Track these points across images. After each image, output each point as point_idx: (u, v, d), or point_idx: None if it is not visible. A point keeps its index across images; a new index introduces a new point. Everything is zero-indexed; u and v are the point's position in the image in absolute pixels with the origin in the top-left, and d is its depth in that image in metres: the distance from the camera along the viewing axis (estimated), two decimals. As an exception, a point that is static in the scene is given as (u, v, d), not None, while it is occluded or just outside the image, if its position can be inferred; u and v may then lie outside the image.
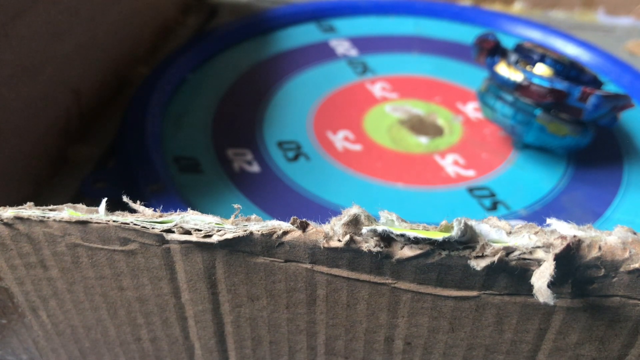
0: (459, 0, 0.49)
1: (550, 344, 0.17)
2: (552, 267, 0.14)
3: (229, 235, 0.16)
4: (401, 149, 0.31)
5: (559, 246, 0.14)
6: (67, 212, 0.17)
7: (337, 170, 0.29)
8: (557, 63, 0.27)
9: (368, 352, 0.19)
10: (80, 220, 0.17)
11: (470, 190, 0.28)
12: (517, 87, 0.27)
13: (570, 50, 0.39)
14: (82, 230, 0.17)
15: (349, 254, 0.16)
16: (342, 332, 0.18)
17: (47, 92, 0.28)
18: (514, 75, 0.27)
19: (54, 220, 0.17)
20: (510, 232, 0.15)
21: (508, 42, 0.41)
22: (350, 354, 0.19)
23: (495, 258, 0.15)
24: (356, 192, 0.28)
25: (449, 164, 0.30)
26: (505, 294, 0.16)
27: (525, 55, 0.28)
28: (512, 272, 0.15)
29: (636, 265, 0.15)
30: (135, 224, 0.16)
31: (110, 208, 0.17)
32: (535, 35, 0.41)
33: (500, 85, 0.28)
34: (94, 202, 0.18)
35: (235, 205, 0.17)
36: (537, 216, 0.26)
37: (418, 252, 0.15)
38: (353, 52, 0.39)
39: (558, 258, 0.14)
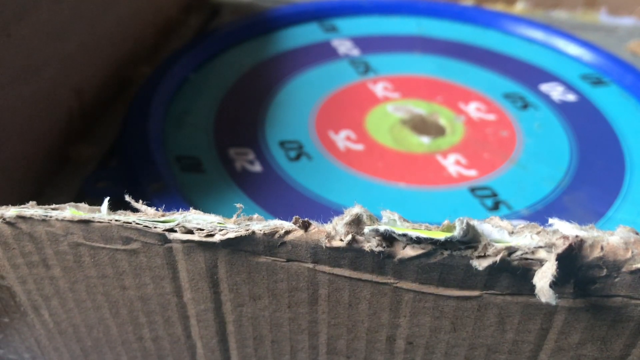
0: (461, 0, 0.48)
1: (552, 344, 0.17)
2: (554, 267, 0.14)
3: (231, 235, 0.16)
4: (403, 148, 0.31)
5: (561, 246, 0.14)
6: (70, 211, 0.17)
7: (339, 169, 0.29)
8: None
9: (370, 351, 0.19)
10: (82, 220, 0.17)
11: (472, 190, 0.28)
12: None
13: (572, 50, 0.39)
14: (84, 229, 0.17)
15: (351, 254, 0.16)
16: (344, 332, 0.18)
17: (49, 91, 0.28)
18: None
19: (56, 220, 0.17)
20: (512, 232, 0.15)
21: (509, 42, 0.41)
22: (352, 353, 0.19)
23: (498, 258, 0.15)
24: (358, 191, 0.28)
25: (451, 163, 0.30)
26: (507, 294, 0.16)
27: None
28: (514, 272, 0.15)
29: (638, 266, 0.15)
30: (137, 223, 0.16)
31: (113, 207, 0.17)
32: (538, 35, 0.41)
33: None
34: (96, 202, 0.18)
35: (237, 205, 0.17)
36: (539, 216, 0.26)
37: (420, 251, 0.15)
38: (355, 52, 0.39)
39: (560, 258, 0.14)
